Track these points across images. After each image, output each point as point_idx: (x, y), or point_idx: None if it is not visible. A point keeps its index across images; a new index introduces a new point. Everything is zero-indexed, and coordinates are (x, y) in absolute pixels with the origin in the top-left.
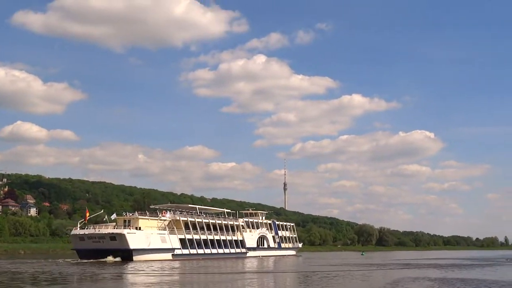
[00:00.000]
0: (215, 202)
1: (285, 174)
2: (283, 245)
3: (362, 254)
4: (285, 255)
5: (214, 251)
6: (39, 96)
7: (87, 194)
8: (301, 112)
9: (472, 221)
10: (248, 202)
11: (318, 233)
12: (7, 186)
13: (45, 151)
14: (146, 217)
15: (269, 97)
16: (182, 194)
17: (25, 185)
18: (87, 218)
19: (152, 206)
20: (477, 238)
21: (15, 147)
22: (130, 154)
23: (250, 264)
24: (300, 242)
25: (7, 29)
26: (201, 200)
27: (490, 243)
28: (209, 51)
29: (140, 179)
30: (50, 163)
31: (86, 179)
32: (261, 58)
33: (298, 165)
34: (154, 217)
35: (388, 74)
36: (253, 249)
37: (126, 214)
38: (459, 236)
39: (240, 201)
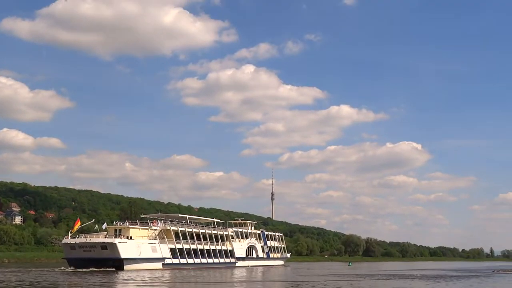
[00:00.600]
0: (202, 211)
1: (272, 184)
2: (271, 255)
3: (349, 265)
4: (274, 265)
5: (203, 260)
6: (26, 104)
7: (73, 203)
8: (289, 122)
9: (457, 232)
10: (236, 212)
11: (305, 243)
12: None
13: (31, 159)
14: (137, 227)
15: (257, 106)
16: (169, 203)
17: (10, 193)
18: (76, 227)
19: (142, 216)
20: (463, 250)
21: (0, 155)
22: (117, 163)
23: (240, 273)
24: (288, 252)
25: None
26: (188, 209)
27: (476, 255)
28: (198, 60)
29: (127, 187)
30: (36, 171)
31: (73, 187)
32: (249, 68)
33: (285, 175)
34: (145, 226)
35: (376, 85)
36: (242, 259)
37: (116, 223)
38: (445, 247)
39: (228, 211)
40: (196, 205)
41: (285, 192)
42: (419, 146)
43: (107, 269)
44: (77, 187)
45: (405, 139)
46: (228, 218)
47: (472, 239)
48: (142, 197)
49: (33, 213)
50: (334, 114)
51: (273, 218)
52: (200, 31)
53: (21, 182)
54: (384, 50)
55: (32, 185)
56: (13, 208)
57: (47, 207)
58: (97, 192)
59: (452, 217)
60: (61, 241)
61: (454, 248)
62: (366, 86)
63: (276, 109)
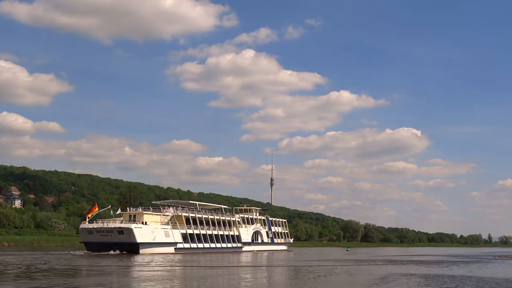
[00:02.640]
0: (201, 196)
1: (272, 170)
2: (276, 240)
3: (347, 250)
4: (278, 250)
5: (212, 245)
6: (25, 87)
7: (72, 187)
8: (289, 107)
9: (456, 219)
10: (235, 197)
11: (304, 228)
12: None
13: (31, 143)
14: (150, 212)
15: (257, 92)
16: (168, 188)
17: (10, 177)
18: (92, 213)
19: (154, 202)
20: (461, 236)
21: (0, 138)
22: (116, 147)
23: (247, 258)
24: (291, 238)
25: None
26: (188, 194)
27: (474, 241)
28: (197, 45)
29: (127, 172)
30: (35, 155)
31: (72, 172)
32: (249, 53)
33: (285, 161)
34: (158, 212)
35: (377, 71)
36: (248, 243)
37: (130, 209)
38: (443, 233)
39: (227, 196)
40: (195, 190)
41: (284, 178)
42: (418, 132)
43: (123, 252)
44: (77, 171)
45: (405, 125)
46: (227, 203)
47: (470, 225)
48: (141, 182)
49: (33, 197)
50: (334, 100)
51: (272, 204)
52: (200, 15)
53: (20, 166)
54: (384, 36)
55: (32, 169)
56: (13, 192)
57: (46, 191)
58: (97, 176)
59: (451, 204)
60: (60, 225)
61: (452, 234)
62: (366, 72)
63: (276, 94)
